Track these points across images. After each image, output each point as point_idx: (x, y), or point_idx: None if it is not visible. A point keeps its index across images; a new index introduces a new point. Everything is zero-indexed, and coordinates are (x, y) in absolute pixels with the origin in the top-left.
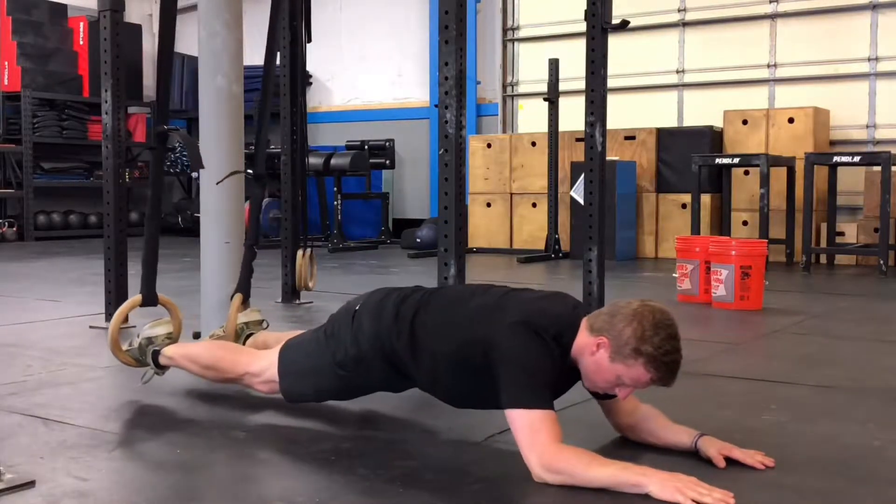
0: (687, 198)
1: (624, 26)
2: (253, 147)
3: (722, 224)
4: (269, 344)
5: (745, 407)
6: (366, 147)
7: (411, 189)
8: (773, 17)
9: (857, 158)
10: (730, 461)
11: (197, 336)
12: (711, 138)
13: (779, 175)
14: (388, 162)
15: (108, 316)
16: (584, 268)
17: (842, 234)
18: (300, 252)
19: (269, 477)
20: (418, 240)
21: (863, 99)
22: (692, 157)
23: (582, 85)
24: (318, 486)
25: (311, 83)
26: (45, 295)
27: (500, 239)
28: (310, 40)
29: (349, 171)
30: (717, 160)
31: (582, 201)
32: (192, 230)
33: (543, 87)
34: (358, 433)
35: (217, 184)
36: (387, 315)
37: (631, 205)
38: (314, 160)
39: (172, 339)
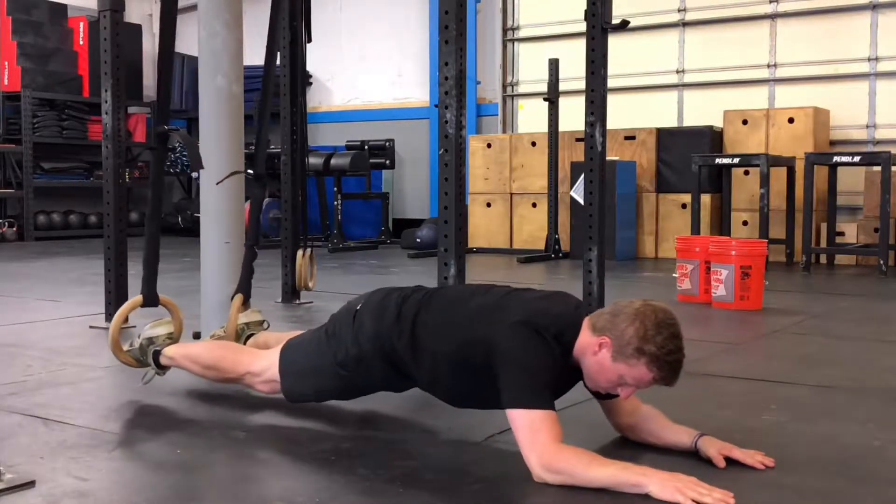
0: (687, 198)
1: (624, 26)
2: (253, 147)
3: (722, 224)
4: (270, 344)
5: (745, 407)
6: (366, 147)
7: (411, 189)
8: (773, 17)
9: (857, 158)
10: (730, 461)
11: (197, 336)
12: (711, 138)
13: (779, 175)
14: (388, 162)
15: (108, 316)
16: (584, 268)
17: (842, 234)
18: (300, 252)
19: (269, 477)
20: (418, 240)
21: (863, 99)
22: (692, 157)
23: (582, 85)
24: (318, 486)
25: (311, 83)
26: (45, 295)
27: (500, 239)
28: (310, 40)
29: (349, 171)
30: (717, 160)
31: (582, 201)
32: (192, 230)
33: (543, 87)
34: (358, 433)
35: (217, 184)
36: (388, 315)
37: (631, 205)
38: (314, 160)
39: (173, 339)
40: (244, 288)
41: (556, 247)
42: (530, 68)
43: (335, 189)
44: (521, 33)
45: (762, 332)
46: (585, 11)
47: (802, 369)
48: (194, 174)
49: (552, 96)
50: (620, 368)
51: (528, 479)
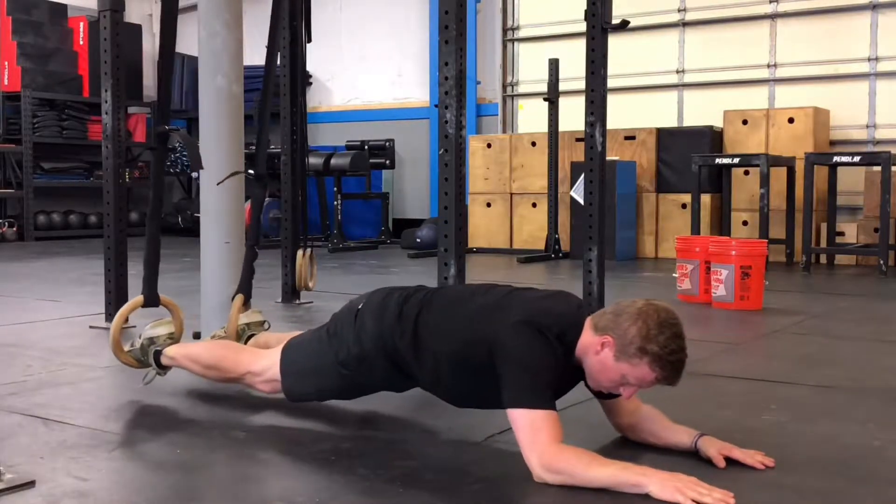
0: (687, 198)
1: (624, 26)
2: (253, 147)
3: (722, 224)
4: (271, 345)
5: (745, 407)
6: (366, 147)
7: (411, 189)
8: (773, 17)
9: (857, 158)
10: (730, 461)
11: (197, 336)
12: (711, 138)
13: (779, 175)
14: (388, 162)
15: (108, 316)
16: (584, 268)
17: (842, 234)
18: (300, 252)
19: (269, 477)
20: (418, 240)
21: (863, 99)
22: (692, 157)
23: (582, 85)
24: (318, 486)
25: (311, 83)
26: (45, 295)
27: (500, 239)
28: (310, 40)
29: (349, 171)
30: (717, 160)
31: (582, 201)
32: (192, 230)
33: (543, 87)
34: (358, 433)
35: (218, 184)
36: (390, 314)
37: (631, 205)
38: (314, 160)
39: (174, 339)
40: (245, 288)
41: (556, 247)
42: (530, 68)
43: (335, 189)
44: (521, 33)
45: (762, 332)
46: (585, 11)
47: (802, 369)
48: (194, 174)
49: (552, 96)
50: (623, 368)
51: (528, 479)
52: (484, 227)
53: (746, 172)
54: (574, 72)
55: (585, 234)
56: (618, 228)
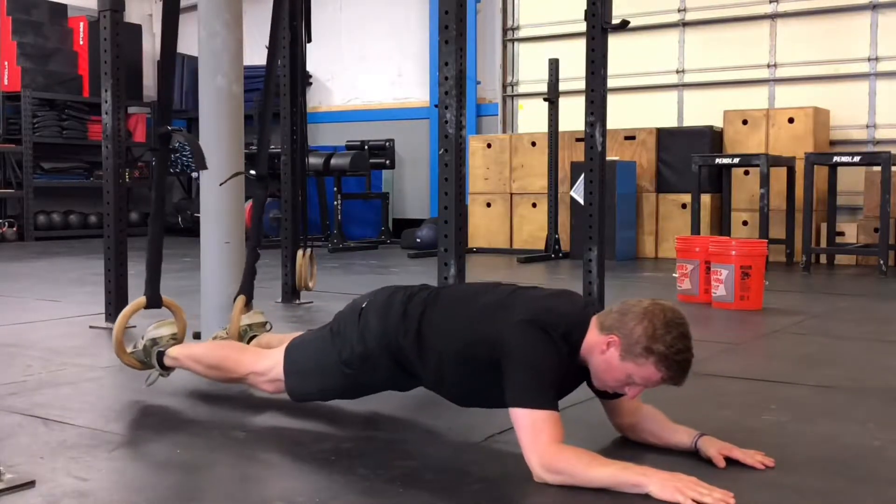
0: (687, 198)
1: (624, 26)
2: (252, 147)
3: (722, 224)
4: (273, 345)
5: (745, 407)
6: (366, 147)
7: (411, 189)
8: (773, 17)
9: (857, 158)
10: (730, 461)
11: (197, 336)
12: (711, 138)
13: (779, 175)
14: (388, 162)
15: (108, 316)
16: (584, 268)
17: (842, 234)
18: (300, 252)
19: (270, 477)
20: (418, 240)
21: (863, 99)
22: (692, 157)
23: (582, 85)
24: (318, 486)
25: (311, 83)
26: (45, 295)
27: (500, 239)
28: (310, 40)
29: (349, 171)
30: (717, 160)
31: (582, 201)
32: (192, 230)
33: (543, 87)
34: (358, 433)
35: (220, 185)
36: (394, 313)
37: (631, 205)
38: (314, 160)
39: (177, 340)
40: (247, 289)
41: (556, 247)
42: (530, 68)
43: (335, 189)
44: (521, 33)
45: (762, 332)
46: (585, 11)
47: (802, 369)
48: (194, 174)
49: (552, 96)
50: (629, 367)
51: (528, 479)
52: (484, 227)
53: (746, 172)
54: (574, 72)
55: (585, 234)
56: (618, 228)
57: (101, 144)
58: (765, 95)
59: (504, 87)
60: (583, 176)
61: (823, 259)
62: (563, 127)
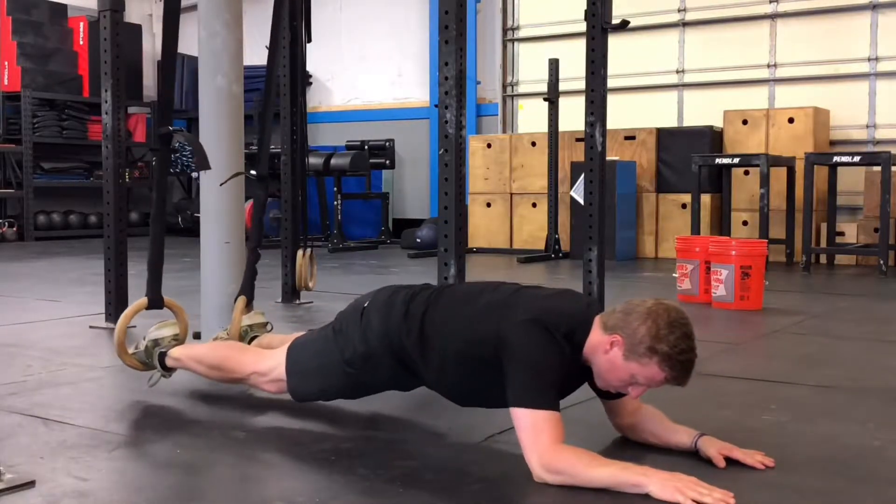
0: (687, 198)
1: (624, 26)
2: (252, 147)
3: (722, 224)
4: (274, 346)
5: (745, 407)
6: (366, 147)
7: (411, 189)
8: (773, 17)
9: (857, 158)
10: (730, 461)
11: (197, 336)
12: (711, 138)
13: (779, 175)
14: (388, 162)
15: (108, 316)
16: (584, 268)
17: (842, 234)
18: (300, 252)
19: (270, 477)
20: (418, 240)
21: (863, 99)
22: (692, 157)
23: (582, 85)
24: (319, 486)
25: (311, 83)
26: (45, 295)
27: (500, 239)
28: (310, 40)
29: (349, 171)
30: (717, 160)
31: (582, 201)
32: (192, 230)
33: (543, 87)
34: (358, 433)
35: (221, 185)
36: (396, 312)
37: (631, 205)
38: (314, 160)
39: (179, 340)
40: (247, 290)
41: (556, 247)
42: (530, 68)
43: (335, 189)
44: (521, 33)
45: (762, 332)
46: (585, 11)
47: (802, 369)
48: (194, 174)
49: (552, 96)
50: (632, 367)
51: (528, 479)
52: (484, 227)
53: (746, 172)
54: (574, 72)
55: (585, 234)
56: (618, 228)
57: (101, 144)
58: (765, 95)
59: (504, 87)
60: (583, 176)
61: (823, 259)
62: (563, 127)
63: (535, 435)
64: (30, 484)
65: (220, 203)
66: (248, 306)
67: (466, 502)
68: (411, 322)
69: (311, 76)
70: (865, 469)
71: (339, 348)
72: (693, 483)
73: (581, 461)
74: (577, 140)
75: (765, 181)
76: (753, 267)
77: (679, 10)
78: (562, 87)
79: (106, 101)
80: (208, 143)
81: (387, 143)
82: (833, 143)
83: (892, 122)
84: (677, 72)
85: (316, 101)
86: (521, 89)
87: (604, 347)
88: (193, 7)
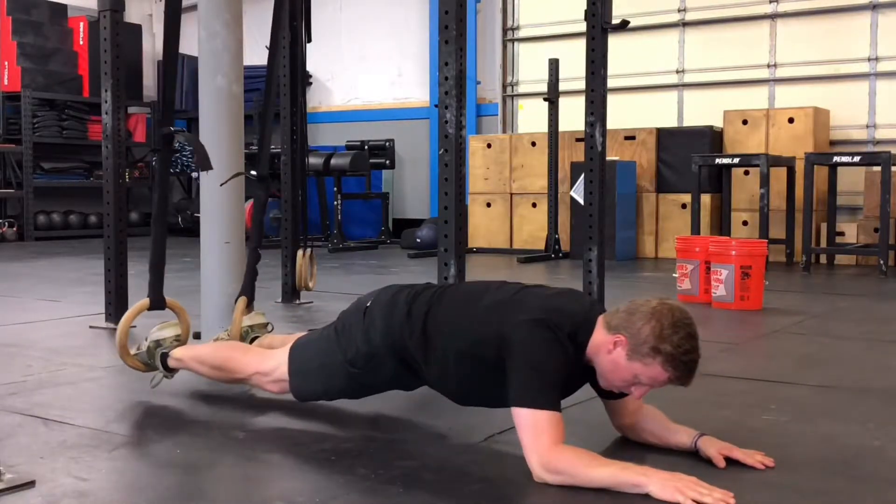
0: (687, 198)
1: (624, 26)
2: (252, 147)
3: (722, 224)
4: (275, 346)
5: (745, 407)
6: (366, 147)
7: (411, 189)
8: (773, 17)
9: (857, 158)
10: (730, 461)
11: (197, 336)
12: (711, 138)
13: (779, 175)
14: (388, 162)
15: (109, 316)
16: (584, 268)
17: (842, 234)
18: (300, 252)
19: (270, 477)
20: (418, 240)
21: (863, 99)
22: (692, 157)
23: (582, 85)
24: (319, 486)
25: (311, 83)
26: (45, 295)
27: (500, 239)
28: (310, 40)
29: (349, 171)
30: (717, 160)
31: (582, 201)
32: (192, 230)
33: (543, 87)
34: (358, 433)
35: (221, 185)
36: (399, 312)
37: (631, 205)
38: (314, 160)
39: (181, 341)
40: (248, 290)
41: (556, 247)
42: (530, 68)
43: (335, 189)
44: (521, 33)
45: (762, 332)
46: (585, 11)
47: (802, 369)
48: (194, 174)
49: (552, 96)
50: (635, 367)
51: (528, 479)
52: (484, 227)
53: (746, 172)
54: (574, 72)
55: (585, 234)
56: (618, 228)
57: (101, 144)
58: (765, 95)
59: (504, 87)
60: (583, 176)
61: (823, 259)
62: (563, 127)
63: (536, 435)
64: (30, 484)
65: (220, 203)
66: (249, 307)
67: (466, 502)
68: (414, 322)
69: (311, 76)
70: (865, 469)
71: (342, 348)
72: (693, 483)
73: (581, 461)
74: (577, 140)
75: (765, 181)
76: (753, 267)
77: (679, 10)
78: (562, 87)
79: (106, 101)
80: (208, 144)
81: (387, 143)
82: (833, 143)
83: (892, 122)
84: (677, 72)
85: (316, 101)
86: (521, 89)
87: (607, 347)
88: (193, 7)
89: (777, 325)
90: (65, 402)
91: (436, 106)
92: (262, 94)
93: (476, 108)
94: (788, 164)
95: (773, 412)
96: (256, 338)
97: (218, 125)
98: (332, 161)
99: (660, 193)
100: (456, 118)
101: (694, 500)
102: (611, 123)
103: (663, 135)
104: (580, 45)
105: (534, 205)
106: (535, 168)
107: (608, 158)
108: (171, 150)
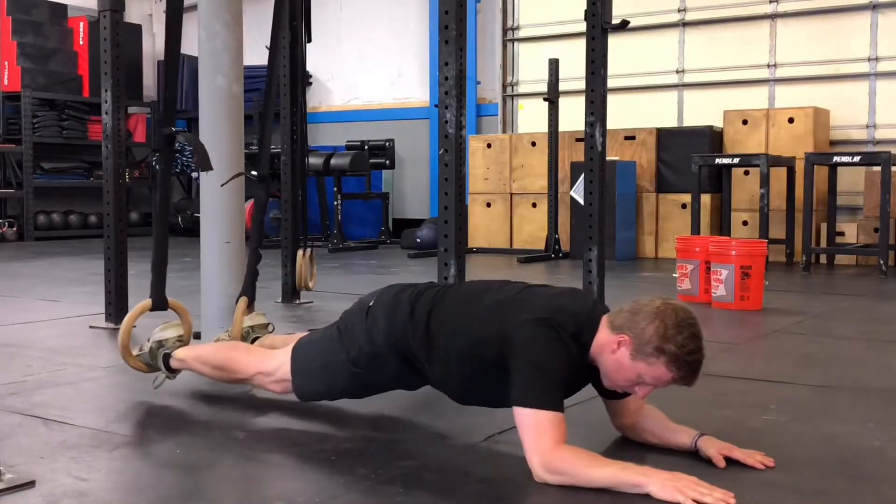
0: (687, 198)
1: (624, 26)
2: (252, 147)
3: (722, 224)
4: (276, 346)
5: (745, 407)
6: (366, 147)
7: (411, 189)
8: (773, 17)
9: (857, 158)
10: (730, 461)
11: (197, 336)
12: (711, 138)
13: (779, 175)
14: (388, 162)
15: (108, 316)
16: (584, 268)
17: (842, 234)
18: (300, 252)
19: (270, 477)
20: (418, 240)
21: (863, 99)
22: (692, 157)
23: (582, 85)
24: (319, 486)
25: (311, 83)
26: (45, 295)
27: (500, 239)
28: (310, 40)
29: (349, 171)
30: (717, 160)
31: (582, 201)
32: (192, 230)
33: (543, 87)
34: (359, 433)
35: (222, 186)
36: (401, 311)
37: (631, 205)
38: (314, 160)
39: (183, 341)
40: (248, 291)
41: (556, 247)
42: (530, 68)
43: (335, 189)
44: (521, 33)
45: (762, 332)
46: (585, 11)
47: (802, 369)
48: (194, 174)
49: (552, 96)
50: (639, 367)
51: (528, 479)
52: (484, 227)
53: (746, 172)
54: (574, 72)
55: (585, 234)
56: (618, 228)
57: (101, 144)
58: (765, 95)
59: (504, 87)
60: (583, 176)
61: (823, 259)
62: (563, 127)
63: (538, 435)
64: (30, 484)
65: (220, 203)
66: (250, 307)
67: (466, 502)
68: (416, 321)
69: (311, 76)
70: (865, 469)
71: (345, 348)
72: (693, 483)
73: (581, 461)
74: (577, 140)
75: (765, 181)
76: (753, 267)
77: (679, 10)
78: (562, 87)
79: (106, 101)
80: (208, 144)
81: (387, 143)
82: (833, 143)
83: (892, 122)
84: (677, 72)
85: (316, 101)
86: (521, 89)
87: (611, 347)
88: (194, 7)
89: (777, 325)
90: (65, 402)
91: (436, 106)
92: (262, 94)
93: (476, 108)
94: (788, 164)
95: (773, 412)
96: (257, 338)
97: (218, 125)
98: (332, 161)
99: (660, 193)
100: (456, 118)
101: (694, 500)
102: (611, 123)
103: (663, 135)
104: (580, 45)
105: (534, 205)
106: (535, 168)
107: (608, 158)
108: (173, 150)
